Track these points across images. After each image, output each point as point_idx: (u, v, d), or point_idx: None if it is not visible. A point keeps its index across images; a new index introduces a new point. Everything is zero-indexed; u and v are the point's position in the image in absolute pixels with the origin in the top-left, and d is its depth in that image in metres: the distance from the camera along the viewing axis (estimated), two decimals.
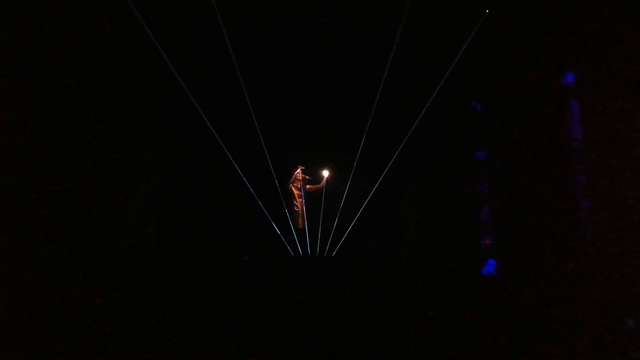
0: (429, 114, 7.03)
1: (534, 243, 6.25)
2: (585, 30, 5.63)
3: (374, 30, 7.11)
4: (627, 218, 5.20)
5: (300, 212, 7.42)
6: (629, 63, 5.19)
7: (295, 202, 7.43)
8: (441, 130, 7.59)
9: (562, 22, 5.93)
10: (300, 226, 7.41)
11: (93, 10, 6.02)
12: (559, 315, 4.90)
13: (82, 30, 6.00)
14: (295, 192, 7.45)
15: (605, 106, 5.51)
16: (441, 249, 7.25)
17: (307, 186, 7.59)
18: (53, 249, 5.42)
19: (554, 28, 6.01)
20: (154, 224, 6.68)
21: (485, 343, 4.57)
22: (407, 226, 7.27)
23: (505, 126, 6.95)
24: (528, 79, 6.44)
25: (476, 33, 6.35)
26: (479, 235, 7.47)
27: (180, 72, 6.43)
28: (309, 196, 7.58)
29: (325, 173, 7.67)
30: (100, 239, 6.12)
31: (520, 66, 6.53)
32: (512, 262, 6.69)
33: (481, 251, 7.35)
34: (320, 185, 7.69)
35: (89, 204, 6.01)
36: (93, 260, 5.69)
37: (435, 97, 6.89)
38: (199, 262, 6.69)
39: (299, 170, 7.48)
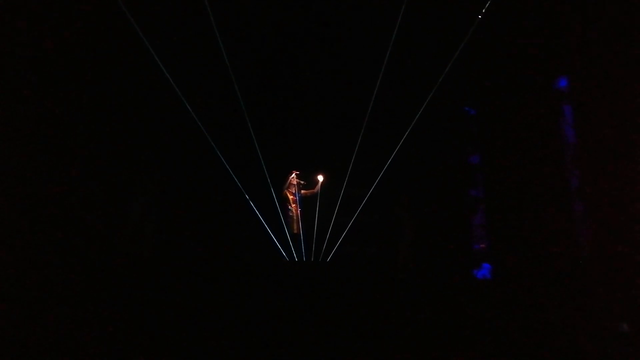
0: (423, 119, 7.04)
1: (530, 247, 6.27)
2: (580, 35, 5.68)
3: (368, 36, 7.14)
4: (622, 222, 5.22)
5: (295, 217, 7.40)
6: (623, 67, 5.23)
7: (290, 207, 7.42)
8: (435, 134, 7.61)
9: (556, 26, 5.97)
10: (295, 231, 7.39)
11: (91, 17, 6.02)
12: (555, 319, 4.90)
13: (76, 35, 5.99)
14: (290, 197, 7.43)
15: (599, 110, 5.55)
16: (436, 253, 7.26)
17: (302, 191, 7.58)
18: (48, 254, 5.39)
19: (548, 33, 6.05)
20: (150, 229, 6.66)
21: (480, 347, 4.56)
22: (402, 231, 7.27)
23: (499, 130, 6.98)
24: (521, 83, 6.48)
25: (469, 38, 6.38)
26: (474, 240, 7.48)
27: (174, 78, 6.43)
28: (304, 201, 7.57)
29: (320, 178, 7.66)
30: (96, 244, 6.09)
31: (514, 71, 6.57)
32: (507, 266, 6.70)
33: (476, 255, 7.36)
34: (315, 190, 7.68)
35: (85, 208, 5.98)
36: (88, 265, 5.65)
37: (429, 102, 6.91)
38: (193, 268, 6.66)
39: (293, 175, 7.47)
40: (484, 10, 6.31)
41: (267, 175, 7.29)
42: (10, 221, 5.19)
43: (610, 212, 5.39)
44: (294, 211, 7.41)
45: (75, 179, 5.94)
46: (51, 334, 4.25)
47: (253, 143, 7.15)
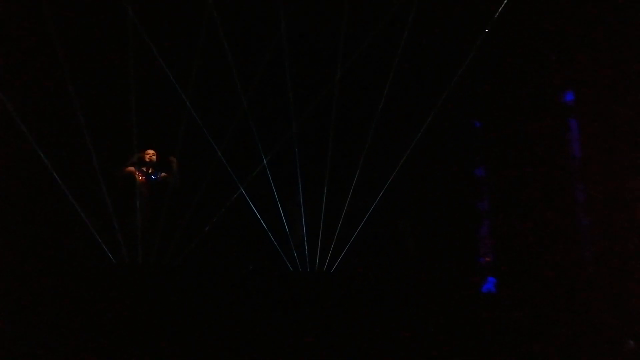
0: (429, 131, 7.05)
1: (535, 261, 6.24)
2: (587, 48, 5.70)
3: (375, 47, 7.17)
4: (629, 235, 5.20)
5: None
6: (630, 80, 5.25)
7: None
8: (441, 146, 7.61)
9: (563, 40, 6.00)
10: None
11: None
12: (562, 333, 4.86)
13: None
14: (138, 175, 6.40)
15: (605, 123, 5.56)
16: (440, 266, 7.22)
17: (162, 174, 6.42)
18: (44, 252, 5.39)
19: (555, 46, 6.09)
20: (150, 234, 6.63)
21: None
22: (405, 243, 7.23)
23: (504, 143, 6.98)
24: (528, 96, 6.49)
25: (476, 50, 6.41)
26: (479, 253, 7.43)
27: (177, 79, 6.48)
28: (306, 210, 7.49)
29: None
30: (97, 255, 6.08)
31: (520, 83, 6.59)
32: (512, 279, 6.65)
33: (481, 268, 7.31)
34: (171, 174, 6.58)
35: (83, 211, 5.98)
36: (85, 276, 5.62)
37: (435, 114, 6.93)
38: (194, 279, 6.62)
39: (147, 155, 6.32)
40: (490, 24, 6.35)
41: (272, 183, 7.26)
42: (6, 222, 5.20)
43: (617, 226, 5.37)
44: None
45: (74, 180, 5.96)
46: (47, 338, 4.24)
47: (259, 150, 7.15)
